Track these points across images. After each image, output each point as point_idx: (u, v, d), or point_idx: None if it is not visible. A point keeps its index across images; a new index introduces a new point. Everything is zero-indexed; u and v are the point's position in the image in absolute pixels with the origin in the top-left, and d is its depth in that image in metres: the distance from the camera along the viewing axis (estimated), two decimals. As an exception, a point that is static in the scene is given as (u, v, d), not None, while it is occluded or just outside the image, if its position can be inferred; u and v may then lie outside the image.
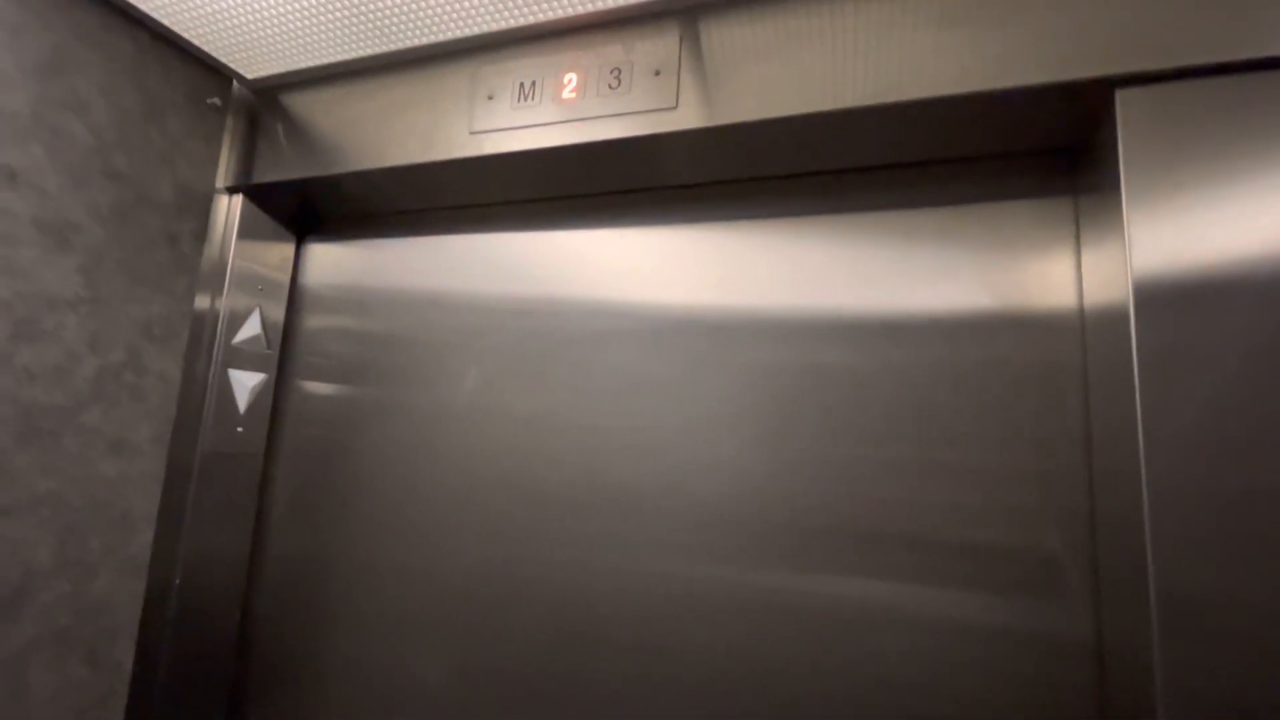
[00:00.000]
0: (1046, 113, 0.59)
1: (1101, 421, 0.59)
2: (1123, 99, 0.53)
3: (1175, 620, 0.47)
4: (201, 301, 0.89)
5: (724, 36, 0.67)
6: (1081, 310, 0.64)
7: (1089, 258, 0.62)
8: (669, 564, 0.75)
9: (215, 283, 0.90)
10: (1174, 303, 0.50)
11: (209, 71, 0.89)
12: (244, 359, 0.93)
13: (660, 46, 0.70)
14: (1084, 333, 0.63)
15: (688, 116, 0.67)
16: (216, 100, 0.91)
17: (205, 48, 0.84)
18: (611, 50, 0.72)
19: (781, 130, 0.66)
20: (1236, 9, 0.50)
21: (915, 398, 0.68)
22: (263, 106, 0.93)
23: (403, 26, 0.77)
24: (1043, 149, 0.66)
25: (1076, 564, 0.61)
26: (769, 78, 0.65)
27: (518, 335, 0.88)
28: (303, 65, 0.86)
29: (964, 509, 0.65)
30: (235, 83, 0.93)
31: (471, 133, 0.78)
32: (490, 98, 0.78)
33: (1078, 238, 0.65)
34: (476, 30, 0.77)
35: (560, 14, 0.73)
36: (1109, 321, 0.56)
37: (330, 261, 1.02)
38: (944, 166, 0.71)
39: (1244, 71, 0.50)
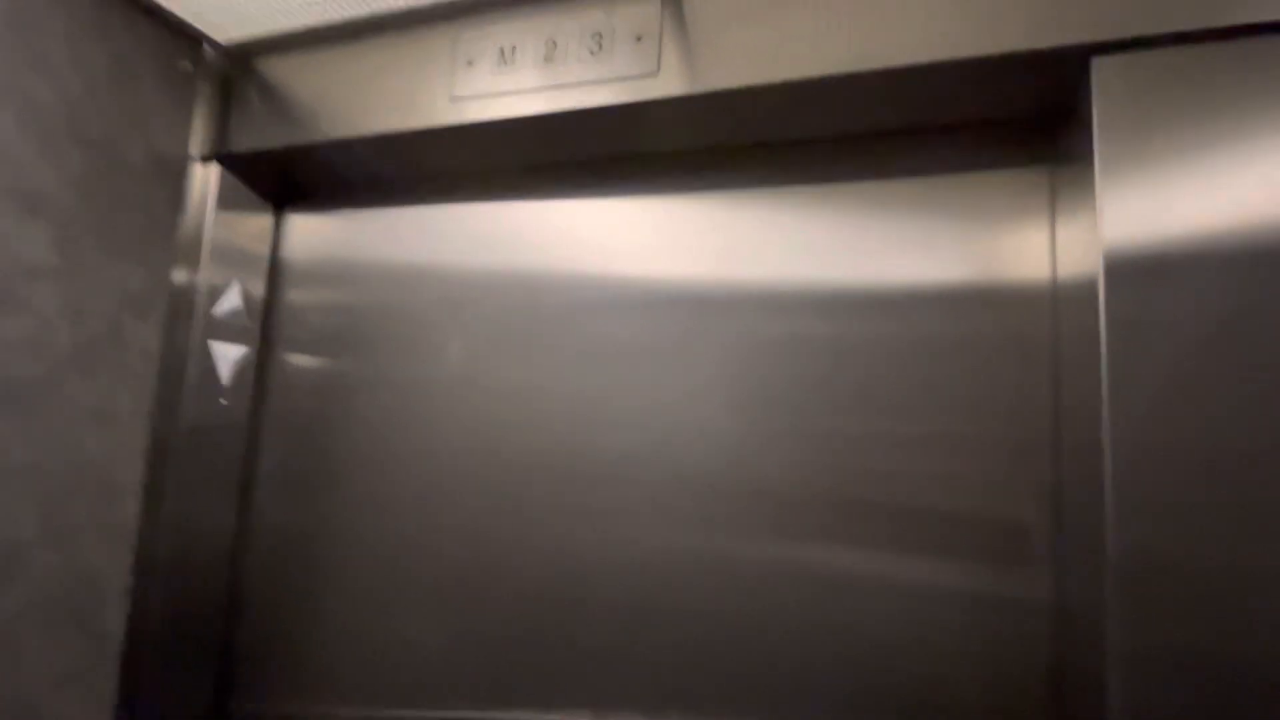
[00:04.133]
0: (1025, 80, 0.60)
1: (1071, 392, 0.60)
2: (1098, 66, 0.53)
3: (1128, 582, 0.49)
4: (180, 272, 0.88)
5: (706, 0, 0.66)
6: (1054, 282, 0.65)
7: (1063, 229, 0.63)
8: (656, 532, 0.77)
9: (193, 253, 0.89)
10: (1143, 274, 0.51)
11: (178, 34, 0.87)
12: (226, 330, 0.92)
13: (641, 11, 0.69)
14: (1056, 304, 0.64)
15: (669, 83, 0.67)
16: (187, 64, 0.88)
17: (171, 8, 0.81)
18: (592, 15, 0.71)
19: (764, 97, 0.66)
20: (1212, -24, 0.50)
21: (894, 369, 0.69)
22: (236, 71, 0.90)
23: (378, -12, 0.75)
24: (1022, 118, 0.67)
25: (1041, 531, 0.63)
26: (752, 43, 0.64)
27: (503, 306, 0.87)
28: (277, 28, 0.83)
29: (939, 478, 0.67)
30: (206, 46, 0.90)
31: (452, 99, 0.77)
32: (470, 63, 0.76)
33: (1053, 208, 0.66)
34: (454, -8, 0.75)
35: (540, -24, 0.71)
36: (1080, 293, 0.57)
37: (311, 232, 1.01)
38: (924, 135, 0.71)
39: (1220, 39, 0.50)
